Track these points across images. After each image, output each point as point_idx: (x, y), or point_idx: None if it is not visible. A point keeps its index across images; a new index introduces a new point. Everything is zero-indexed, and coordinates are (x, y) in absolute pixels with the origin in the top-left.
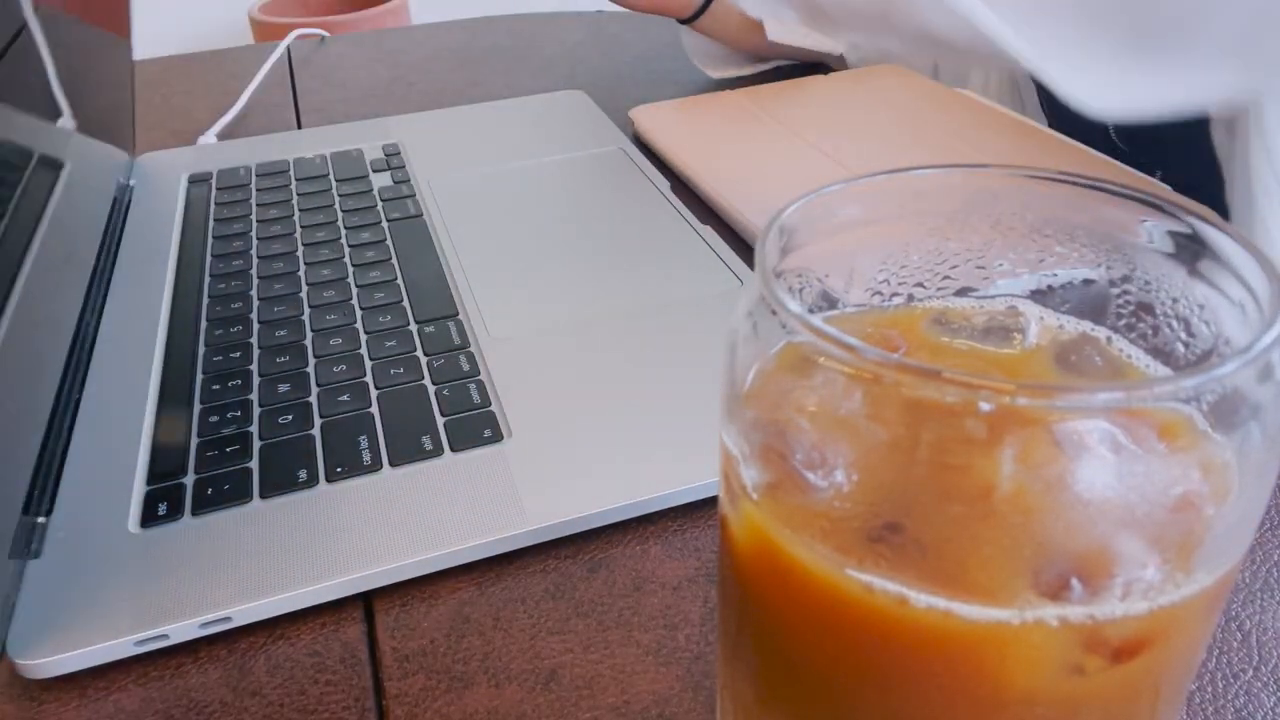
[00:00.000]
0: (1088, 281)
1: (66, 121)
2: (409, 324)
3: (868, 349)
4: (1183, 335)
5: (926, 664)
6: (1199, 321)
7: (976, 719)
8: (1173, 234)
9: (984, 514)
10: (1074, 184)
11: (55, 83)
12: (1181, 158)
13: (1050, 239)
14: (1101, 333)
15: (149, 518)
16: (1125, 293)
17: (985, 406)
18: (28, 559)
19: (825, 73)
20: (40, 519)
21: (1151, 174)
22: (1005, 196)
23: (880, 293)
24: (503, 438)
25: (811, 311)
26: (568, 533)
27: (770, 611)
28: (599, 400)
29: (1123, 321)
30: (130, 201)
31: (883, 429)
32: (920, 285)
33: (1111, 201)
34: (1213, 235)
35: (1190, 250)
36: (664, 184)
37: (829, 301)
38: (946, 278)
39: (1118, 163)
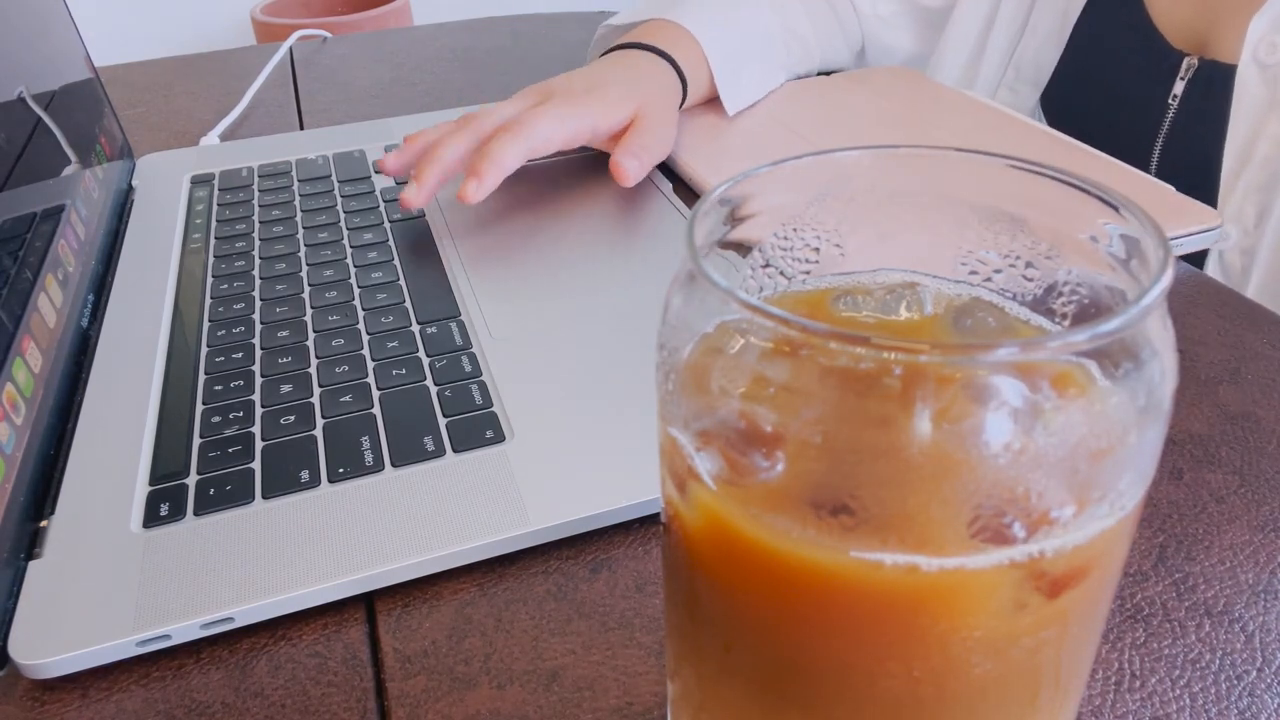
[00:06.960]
0: (1004, 256)
1: (66, 165)
2: (411, 325)
3: (805, 321)
4: (1085, 300)
5: (898, 616)
6: (1100, 287)
7: (943, 660)
8: (1078, 204)
9: (931, 473)
10: (993, 161)
11: (57, 137)
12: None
13: (952, 217)
14: (994, 297)
15: (151, 518)
16: (1030, 265)
17: (926, 368)
18: (30, 559)
19: (828, 73)
20: (43, 519)
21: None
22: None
23: (785, 274)
24: (505, 438)
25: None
26: (570, 533)
27: (735, 595)
28: (601, 401)
29: (1026, 289)
30: (132, 203)
31: (820, 401)
32: (815, 263)
33: (1037, 183)
34: (1121, 213)
35: (1097, 227)
36: (666, 185)
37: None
38: (845, 253)
39: (1114, 159)
